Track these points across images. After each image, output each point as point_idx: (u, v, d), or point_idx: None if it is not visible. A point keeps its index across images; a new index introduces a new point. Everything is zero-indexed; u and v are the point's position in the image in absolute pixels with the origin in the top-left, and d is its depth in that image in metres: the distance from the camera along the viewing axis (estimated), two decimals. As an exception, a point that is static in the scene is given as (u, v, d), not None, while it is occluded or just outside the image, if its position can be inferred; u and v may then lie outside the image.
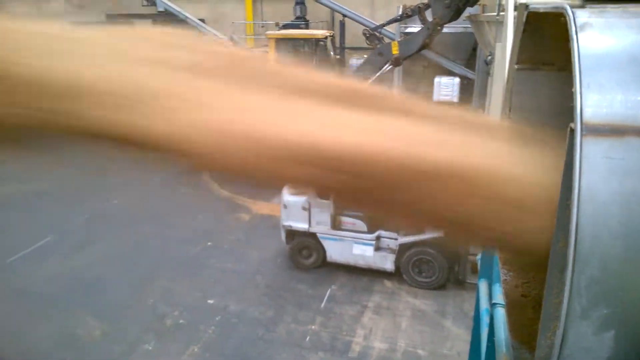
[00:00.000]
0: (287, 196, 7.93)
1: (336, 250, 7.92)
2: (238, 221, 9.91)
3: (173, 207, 9.88)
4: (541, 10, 1.55)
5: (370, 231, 7.69)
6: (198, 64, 1.55)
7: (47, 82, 1.36)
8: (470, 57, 13.28)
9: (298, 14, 17.10)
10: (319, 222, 7.86)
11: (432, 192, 1.35)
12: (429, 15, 9.98)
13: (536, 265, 1.50)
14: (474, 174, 1.33)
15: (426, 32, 9.92)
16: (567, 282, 0.99)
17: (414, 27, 11.51)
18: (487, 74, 9.75)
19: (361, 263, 7.84)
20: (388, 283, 7.76)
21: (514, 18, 4.02)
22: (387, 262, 7.69)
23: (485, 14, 10.07)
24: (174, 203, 9.93)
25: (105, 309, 6.97)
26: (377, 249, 7.73)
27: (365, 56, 11.75)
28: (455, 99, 10.92)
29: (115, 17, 19.10)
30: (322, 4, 16.62)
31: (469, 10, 10.34)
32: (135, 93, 1.38)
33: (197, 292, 7.50)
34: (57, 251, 8.51)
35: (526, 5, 1.73)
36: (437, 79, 11.25)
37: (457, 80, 11.36)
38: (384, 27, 11.79)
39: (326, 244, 7.95)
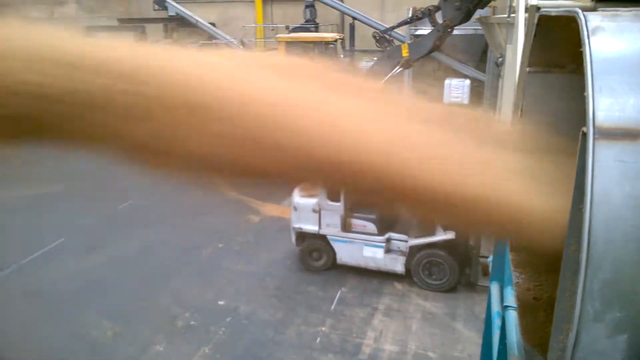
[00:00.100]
0: (298, 198, 7.96)
1: (346, 253, 7.91)
2: (248, 223, 9.95)
3: (184, 208, 9.92)
4: (553, 14, 1.55)
5: (380, 233, 7.67)
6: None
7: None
8: (480, 59, 13.26)
9: (308, 17, 17.11)
10: (329, 225, 7.86)
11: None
12: (439, 17, 9.93)
13: (548, 268, 1.50)
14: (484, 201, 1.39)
15: (436, 35, 9.87)
16: (580, 285, 0.99)
17: (424, 30, 11.52)
18: (498, 76, 9.71)
19: (371, 265, 7.83)
20: (398, 285, 7.73)
21: (525, 20, 4.01)
22: (398, 264, 7.68)
23: (496, 16, 10.05)
24: (185, 205, 9.97)
25: (117, 310, 7.03)
26: (388, 251, 7.71)
27: (375, 59, 11.76)
28: (466, 101, 10.87)
29: (127, 22, 19.31)
30: (331, 6, 16.71)
31: (479, 12, 10.31)
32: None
33: (208, 293, 7.54)
34: (71, 252, 8.58)
35: (537, 8, 1.73)
36: (447, 81, 11.20)
37: (467, 82, 11.32)
38: (394, 30, 11.79)
39: (336, 246, 7.95)
